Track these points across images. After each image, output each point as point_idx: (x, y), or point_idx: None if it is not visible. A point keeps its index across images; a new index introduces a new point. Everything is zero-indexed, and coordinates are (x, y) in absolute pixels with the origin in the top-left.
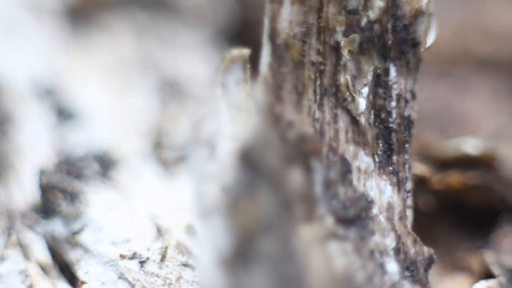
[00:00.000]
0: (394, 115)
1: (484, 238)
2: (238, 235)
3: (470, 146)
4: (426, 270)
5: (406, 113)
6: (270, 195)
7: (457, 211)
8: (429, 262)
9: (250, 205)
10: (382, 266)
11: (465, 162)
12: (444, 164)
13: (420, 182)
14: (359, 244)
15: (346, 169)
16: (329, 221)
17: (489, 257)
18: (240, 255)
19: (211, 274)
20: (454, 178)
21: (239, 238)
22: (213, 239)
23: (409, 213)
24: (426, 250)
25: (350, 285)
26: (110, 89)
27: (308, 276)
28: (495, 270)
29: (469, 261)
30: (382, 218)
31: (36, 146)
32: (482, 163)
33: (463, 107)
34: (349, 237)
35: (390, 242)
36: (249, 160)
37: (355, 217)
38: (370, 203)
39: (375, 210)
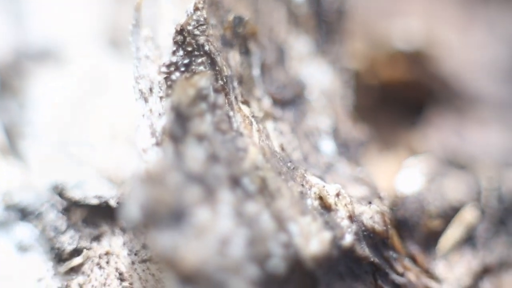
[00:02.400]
0: (326, 5)
1: (415, 122)
2: (173, 113)
3: (401, 41)
4: (360, 149)
5: (337, 5)
6: (207, 75)
7: (391, 101)
8: (363, 142)
9: (187, 84)
10: (317, 146)
11: (396, 58)
12: (377, 59)
13: (356, 76)
14: (296, 124)
15: (283, 53)
16: (267, 102)
17: (419, 136)
18: (175, 135)
19: (147, 153)
20: (387, 73)
21: (174, 116)
22: (149, 119)
23: (345, 97)
24: (360, 131)
25: (287, 163)
26: None
27: (246, 155)
28: (424, 147)
29: (401, 140)
30: (318, 100)
31: None
32: (412, 58)
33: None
34: (286, 118)
35: (325, 123)
36: (188, 41)
37: (292, 99)
38: (306, 86)
39: (311, 93)
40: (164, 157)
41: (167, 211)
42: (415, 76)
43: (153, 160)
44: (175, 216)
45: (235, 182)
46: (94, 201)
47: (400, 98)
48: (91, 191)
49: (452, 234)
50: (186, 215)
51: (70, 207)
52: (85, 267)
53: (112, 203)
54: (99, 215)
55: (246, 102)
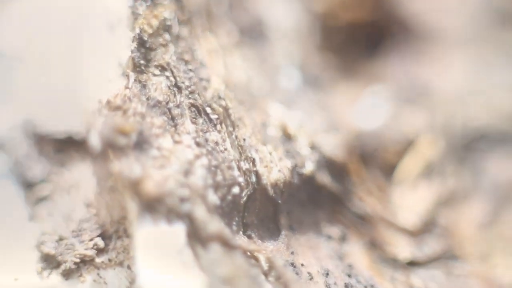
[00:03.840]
0: None
1: (376, 57)
2: (137, 43)
3: None
4: (323, 81)
5: None
6: (172, 7)
7: (354, 41)
8: (327, 75)
9: (150, 16)
10: (283, 78)
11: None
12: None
13: (321, 16)
14: (263, 57)
15: None
16: (235, 36)
17: (379, 69)
18: (138, 64)
19: (112, 83)
20: (350, 15)
21: (137, 47)
22: (116, 50)
23: (311, 34)
24: (325, 64)
25: (251, 94)
26: None
27: (208, 84)
28: (384, 79)
29: (362, 74)
30: (285, 35)
31: None
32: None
33: None
34: (254, 51)
35: (292, 57)
36: None
37: (260, 33)
38: (272, 22)
39: (279, 28)
40: (128, 87)
41: (128, 140)
42: (377, 17)
43: (117, 90)
44: (137, 145)
45: (197, 111)
46: (66, 132)
47: (363, 38)
48: (63, 122)
49: (408, 165)
50: (148, 144)
51: (43, 138)
52: (55, 194)
53: (83, 133)
54: (70, 145)
55: (213, 35)
